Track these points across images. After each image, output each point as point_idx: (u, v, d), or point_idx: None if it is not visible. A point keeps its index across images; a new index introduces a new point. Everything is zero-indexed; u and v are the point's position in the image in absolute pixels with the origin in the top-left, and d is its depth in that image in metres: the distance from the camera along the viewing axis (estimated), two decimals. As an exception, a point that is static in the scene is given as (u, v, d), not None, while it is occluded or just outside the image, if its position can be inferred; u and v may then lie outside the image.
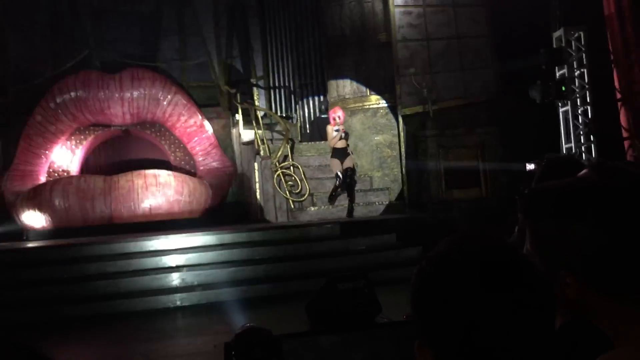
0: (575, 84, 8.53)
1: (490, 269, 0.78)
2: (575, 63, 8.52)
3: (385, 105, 10.41)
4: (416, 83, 9.92)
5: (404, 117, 10.01)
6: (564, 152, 8.40)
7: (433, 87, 9.92)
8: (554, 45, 8.72)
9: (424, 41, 10.07)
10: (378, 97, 10.48)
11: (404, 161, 10.04)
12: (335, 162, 9.37)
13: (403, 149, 10.04)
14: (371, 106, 10.50)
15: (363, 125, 10.52)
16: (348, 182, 9.26)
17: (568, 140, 8.65)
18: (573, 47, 8.54)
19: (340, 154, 9.35)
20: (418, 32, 10.06)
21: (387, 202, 9.78)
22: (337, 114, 9.44)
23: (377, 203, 9.75)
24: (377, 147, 10.35)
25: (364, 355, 3.30)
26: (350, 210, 9.28)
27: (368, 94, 10.54)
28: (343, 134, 9.32)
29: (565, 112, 8.69)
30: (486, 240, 0.83)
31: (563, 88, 8.44)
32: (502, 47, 9.65)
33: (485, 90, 10.01)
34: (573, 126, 8.57)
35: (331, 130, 9.43)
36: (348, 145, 9.44)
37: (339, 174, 9.27)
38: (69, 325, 5.94)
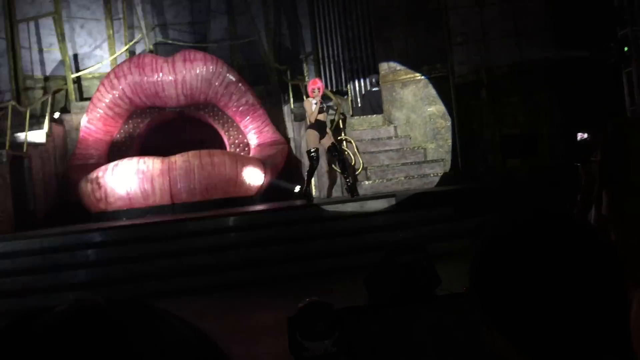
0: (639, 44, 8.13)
1: (558, 242, 0.75)
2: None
3: (438, 74, 10.21)
4: (469, 51, 9.68)
5: (457, 86, 9.80)
6: (629, 114, 8.06)
7: (487, 54, 9.65)
8: (615, 4, 8.32)
9: (477, 7, 9.78)
10: (430, 67, 10.28)
11: (458, 132, 9.86)
12: (312, 134, 8.95)
13: (457, 119, 9.86)
14: (423, 77, 10.32)
15: (415, 96, 10.37)
16: (340, 157, 8.99)
17: (633, 103, 8.29)
18: (635, 5, 8.12)
19: (319, 126, 9.01)
20: (469, -3, 9.79)
21: (442, 174, 9.65)
22: (316, 85, 9.17)
23: (432, 175, 9.64)
24: (430, 118, 10.19)
25: (424, 328, 3.30)
26: (352, 188, 8.93)
27: (419, 64, 10.35)
28: (323, 106, 9.04)
29: (629, 74, 8.31)
30: (550, 212, 0.80)
31: (626, 48, 8.07)
32: (559, 9, 9.28)
33: (542, 55, 9.67)
34: (638, 87, 8.20)
35: (309, 103, 9.14)
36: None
37: (313, 152, 8.87)
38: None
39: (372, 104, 11.25)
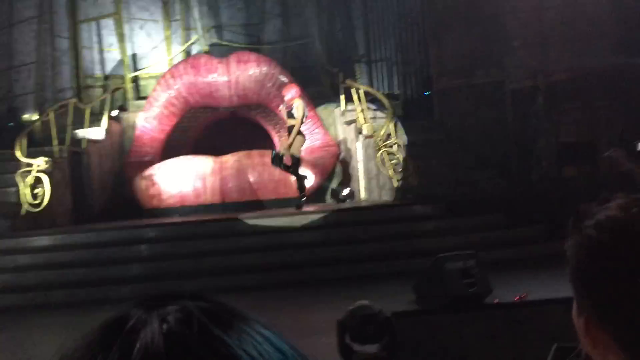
0: None
1: None
2: None
3: (493, 79, 10.03)
4: (526, 56, 9.47)
5: (513, 91, 9.61)
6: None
7: (545, 59, 9.43)
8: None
9: (535, 11, 9.57)
10: (484, 71, 10.11)
11: (512, 138, 9.65)
12: (301, 141, 8.75)
13: (512, 125, 9.66)
14: (478, 81, 10.16)
15: (468, 101, 10.22)
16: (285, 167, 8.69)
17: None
18: None
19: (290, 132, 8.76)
20: (528, 1, 9.58)
21: (495, 180, 9.47)
22: (287, 92, 8.95)
23: (483, 181, 9.47)
24: (483, 123, 10.01)
25: (474, 336, 3.24)
26: (300, 205, 8.65)
27: (474, 68, 10.19)
28: (286, 113, 8.75)
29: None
30: None
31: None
32: (622, 15, 8.98)
33: (603, 61, 9.37)
34: None
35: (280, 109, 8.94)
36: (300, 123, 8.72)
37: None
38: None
39: (424, 108, 11.14)
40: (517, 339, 3.24)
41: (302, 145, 8.76)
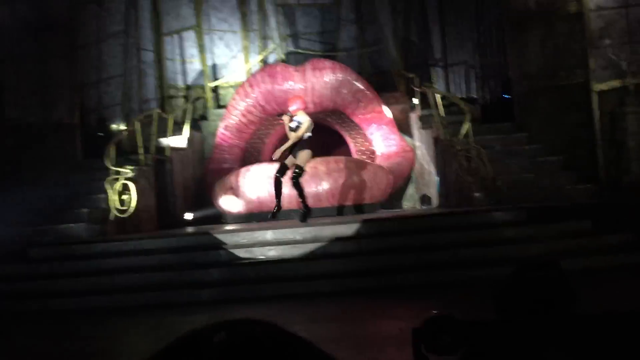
0: None
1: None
2: None
3: (577, 81, 9.63)
4: (613, 55, 9.03)
5: (599, 93, 9.18)
6: None
7: (633, 58, 8.96)
8: None
9: (622, 8, 9.12)
10: (567, 72, 9.72)
11: (599, 141, 9.22)
12: (308, 154, 8.44)
13: (598, 128, 9.23)
14: (560, 83, 9.78)
15: (551, 103, 9.85)
16: (293, 182, 8.34)
17: None
18: None
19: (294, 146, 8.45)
20: (614, -2, 9.15)
21: (580, 186, 9.06)
22: (292, 104, 8.62)
23: (568, 186, 9.08)
24: (567, 126, 9.62)
25: (557, 349, 3.12)
26: (304, 215, 8.35)
27: (556, 69, 9.82)
28: (291, 126, 8.42)
29: None
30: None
31: None
32: None
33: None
34: None
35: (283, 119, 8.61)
36: (303, 138, 8.42)
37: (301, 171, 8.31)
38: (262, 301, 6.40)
39: (504, 112, 10.85)
40: (603, 352, 3.09)
41: (308, 158, 8.50)
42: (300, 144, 8.46)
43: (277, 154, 8.46)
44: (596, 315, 3.39)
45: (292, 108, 8.59)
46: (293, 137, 8.47)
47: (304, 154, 8.45)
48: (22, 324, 6.38)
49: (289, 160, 8.54)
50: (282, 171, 8.53)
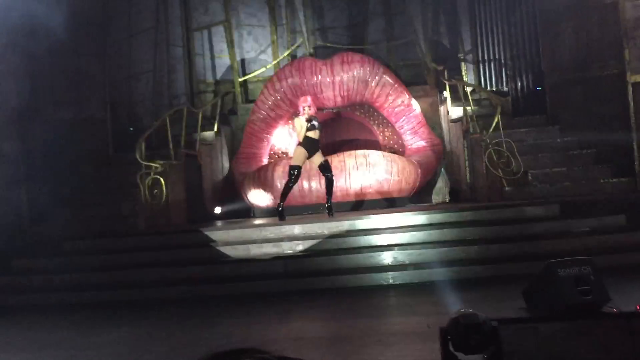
0: None
1: None
2: None
3: (611, 72, 9.40)
4: (649, 45, 8.78)
5: (633, 84, 8.95)
6: None
7: (670, 48, 8.70)
8: None
9: (659, -4, 8.86)
10: (601, 64, 9.49)
11: (635, 134, 8.99)
12: (300, 152, 8.56)
13: (633, 120, 9.00)
14: (594, 75, 9.56)
15: (584, 96, 9.64)
16: (329, 177, 8.63)
17: None
18: None
19: (310, 144, 8.55)
20: (650, -14, 8.89)
21: (614, 180, 8.86)
22: (306, 103, 8.71)
23: (602, 180, 8.89)
24: (602, 119, 9.41)
25: (589, 347, 3.04)
26: (330, 208, 8.58)
27: (590, 61, 9.59)
28: (316, 124, 8.50)
29: None
30: None
31: None
32: None
33: None
34: None
35: (299, 122, 8.67)
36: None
37: (293, 170, 8.52)
38: (290, 297, 6.43)
39: (535, 104, 10.66)
40: (637, 351, 3.01)
41: (303, 156, 8.62)
42: (312, 141, 8.62)
43: (319, 159, 8.69)
44: (628, 312, 3.30)
45: (307, 112, 8.69)
46: (315, 134, 8.65)
47: (295, 154, 8.70)
48: (76, 313, 6.49)
49: (316, 158, 8.71)
50: (325, 169, 8.77)
